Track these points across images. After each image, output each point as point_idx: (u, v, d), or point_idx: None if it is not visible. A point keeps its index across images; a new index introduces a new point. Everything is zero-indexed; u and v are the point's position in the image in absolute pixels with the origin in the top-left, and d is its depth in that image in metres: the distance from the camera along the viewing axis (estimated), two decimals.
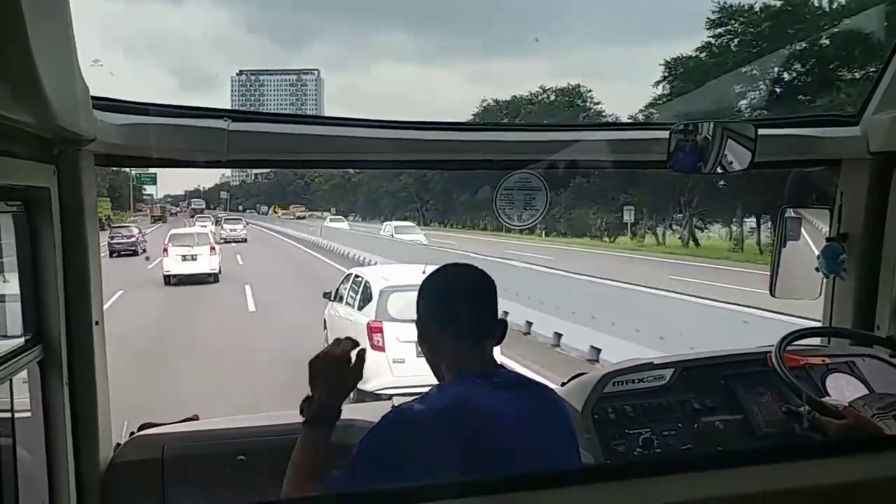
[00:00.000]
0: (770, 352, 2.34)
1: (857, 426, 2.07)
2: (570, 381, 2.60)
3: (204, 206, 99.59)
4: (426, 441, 1.54)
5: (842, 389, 2.38)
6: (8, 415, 1.90)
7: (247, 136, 2.12)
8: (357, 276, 10.28)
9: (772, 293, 2.92)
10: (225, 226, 44.20)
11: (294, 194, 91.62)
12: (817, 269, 2.78)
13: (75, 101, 1.59)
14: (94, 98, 1.76)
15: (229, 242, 37.94)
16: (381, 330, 8.46)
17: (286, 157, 2.27)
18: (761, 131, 2.32)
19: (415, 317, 1.71)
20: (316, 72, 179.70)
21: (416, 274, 9.71)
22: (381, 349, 8.31)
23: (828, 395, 2.31)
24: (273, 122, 2.19)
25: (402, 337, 8.20)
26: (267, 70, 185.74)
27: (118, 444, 2.28)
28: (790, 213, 2.91)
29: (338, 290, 10.67)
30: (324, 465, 1.63)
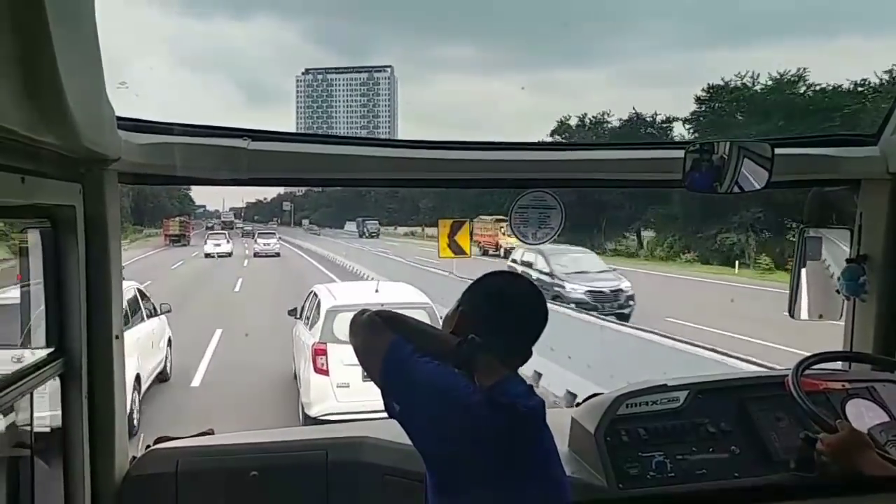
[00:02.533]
0: (787, 376, 2.31)
1: (847, 440, 2.04)
2: (584, 401, 2.59)
3: (233, 217, 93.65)
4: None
5: (861, 416, 2.33)
6: (27, 425, 1.95)
7: (266, 155, 2.17)
8: (314, 294, 9.54)
9: (791, 314, 2.88)
10: (258, 240, 43.44)
11: (376, 204, 73.98)
12: (838, 291, 2.74)
13: (101, 122, 1.64)
14: (118, 118, 1.82)
15: (261, 257, 38.10)
16: (325, 352, 7.90)
17: (304, 175, 2.32)
18: (779, 150, 2.31)
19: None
20: (389, 69, 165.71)
21: (368, 293, 9.31)
22: (325, 373, 7.82)
23: (847, 421, 2.27)
24: (292, 141, 2.24)
25: (346, 360, 7.38)
26: (336, 68, 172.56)
27: (134, 457, 2.31)
28: (810, 232, 2.88)
29: (302, 307, 10.00)
30: (427, 347, 1.61)
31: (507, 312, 1.66)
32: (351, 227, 69.94)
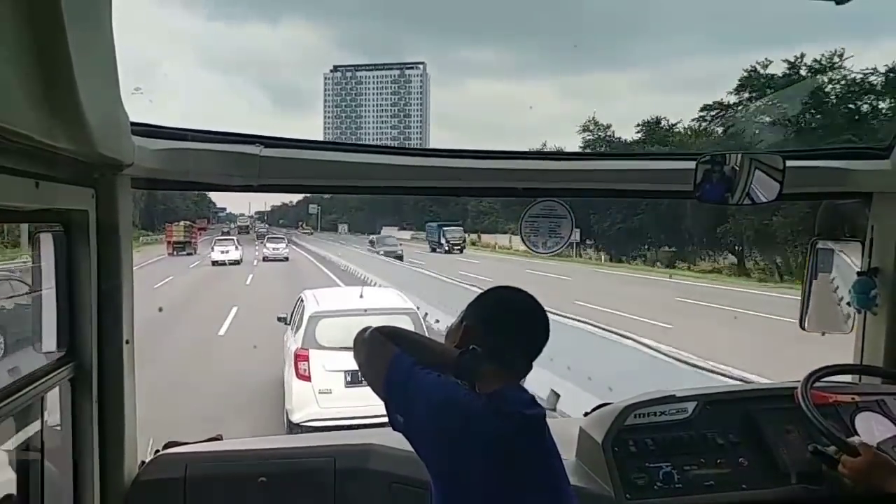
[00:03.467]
0: (797, 388, 2.30)
1: (872, 464, 2.03)
2: (592, 411, 2.58)
3: (249, 222, 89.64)
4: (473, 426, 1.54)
5: (871, 429, 2.32)
6: (38, 429, 1.96)
7: (278, 161, 2.18)
8: (301, 300, 9.42)
9: (802, 326, 2.87)
10: (268, 244, 43.38)
11: (416, 207, 65.54)
12: (849, 304, 2.73)
13: (115, 128, 1.65)
14: (132, 124, 1.83)
15: (270, 261, 37.76)
16: (306, 358, 7.78)
17: (315, 182, 2.33)
18: (791, 163, 2.31)
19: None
20: (421, 66, 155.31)
21: (351, 299, 9.20)
22: (307, 378, 7.68)
23: (857, 434, 2.25)
24: (303, 148, 2.25)
25: (329, 366, 7.50)
26: (365, 65, 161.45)
27: (143, 462, 2.31)
28: (821, 244, 2.87)
29: (291, 313, 9.82)
30: (425, 358, 1.63)
31: (509, 325, 1.68)
32: (388, 235, 52.88)
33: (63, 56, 1.19)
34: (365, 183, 2.36)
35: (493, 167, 2.42)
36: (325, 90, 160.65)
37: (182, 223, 45.20)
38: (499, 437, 1.53)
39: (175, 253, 40.88)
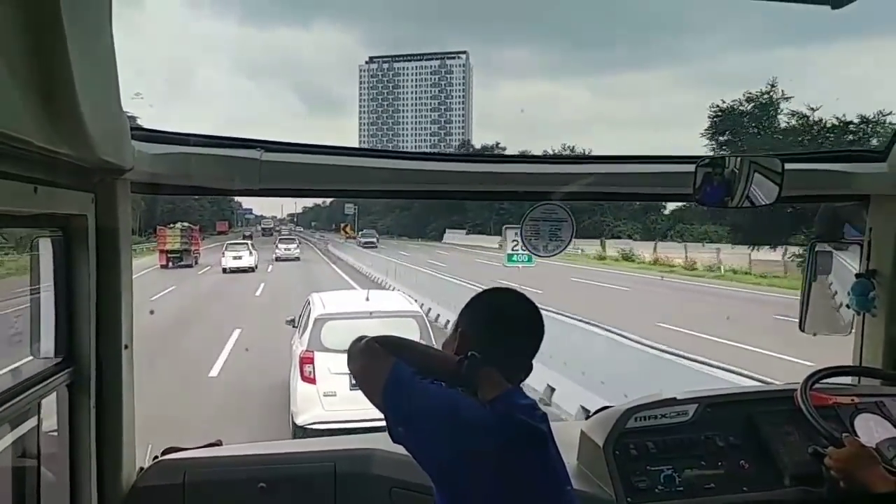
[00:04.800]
0: (797, 390, 2.30)
1: (855, 455, 2.04)
2: (593, 414, 2.58)
3: (272, 224, 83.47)
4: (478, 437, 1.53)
5: (870, 430, 2.32)
6: (35, 435, 1.94)
7: (278, 166, 2.17)
8: (308, 302, 9.42)
9: (801, 328, 2.88)
10: (279, 245, 43.13)
11: (485, 209, 55.70)
12: (848, 306, 2.74)
13: (115, 133, 1.64)
14: (132, 128, 1.82)
15: (282, 261, 37.42)
16: (311, 361, 7.79)
17: (316, 186, 2.32)
18: (789, 166, 2.31)
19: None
20: (464, 55, 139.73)
21: (358, 301, 9.24)
22: (312, 381, 7.71)
23: (856, 435, 2.26)
24: (304, 152, 2.24)
25: (333, 368, 7.46)
26: (403, 55, 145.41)
27: (141, 468, 2.30)
28: (820, 247, 2.88)
29: (299, 316, 9.82)
30: (427, 368, 1.61)
31: (506, 328, 1.67)
32: (453, 238, 50.48)
33: (63, 61, 1.19)
34: (364, 187, 2.36)
35: (492, 171, 2.42)
36: (361, 83, 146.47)
37: (178, 225, 35.12)
38: (504, 445, 1.52)
39: (170, 264, 32.93)
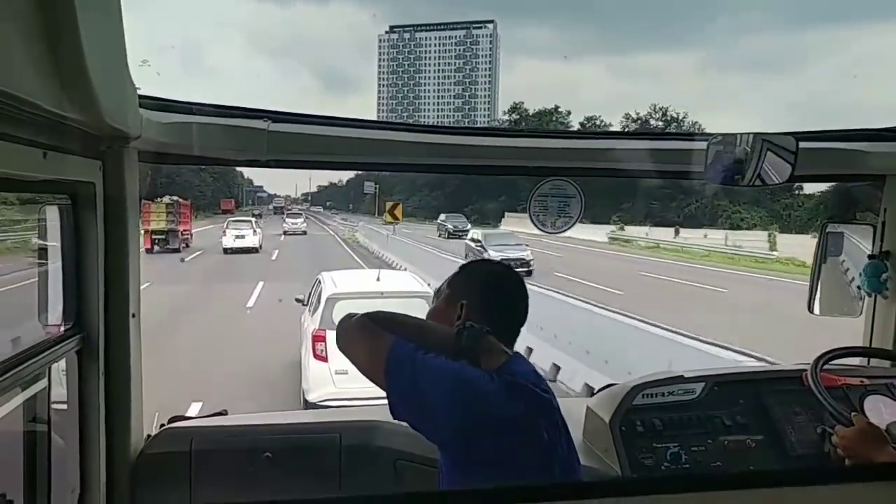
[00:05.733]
0: (806, 370, 2.29)
1: (862, 432, 2.02)
2: (599, 391, 2.58)
3: (283, 203, 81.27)
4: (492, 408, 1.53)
5: (880, 412, 2.31)
6: (45, 401, 1.96)
7: (286, 136, 2.16)
8: (319, 281, 9.48)
9: (810, 310, 2.86)
10: (287, 220, 43.43)
11: (513, 186, 45.66)
12: (859, 287, 2.71)
13: (123, 99, 1.63)
14: (140, 96, 1.81)
15: (289, 234, 37.44)
16: (323, 339, 7.87)
17: (323, 158, 2.31)
18: (803, 145, 2.27)
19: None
20: (491, 24, 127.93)
21: (368, 281, 9.36)
22: (324, 359, 7.82)
23: (866, 416, 2.25)
24: (312, 123, 2.23)
25: None
26: (426, 25, 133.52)
27: (149, 436, 2.32)
28: (832, 228, 2.85)
29: (309, 294, 9.94)
30: (424, 343, 1.58)
31: (502, 298, 1.72)
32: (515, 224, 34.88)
33: (71, 25, 1.18)
34: (373, 159, 2.34)
35: (503, 145, 2.40)
36: (380, 55, 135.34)
37: (164, 200, 28.40)
38: (514, 413, 1.53)
39: (154, 248, 26.51)
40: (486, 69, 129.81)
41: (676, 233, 39.93)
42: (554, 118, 75.00)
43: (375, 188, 68.24)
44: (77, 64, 1.24)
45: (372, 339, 1.59)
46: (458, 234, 34.86)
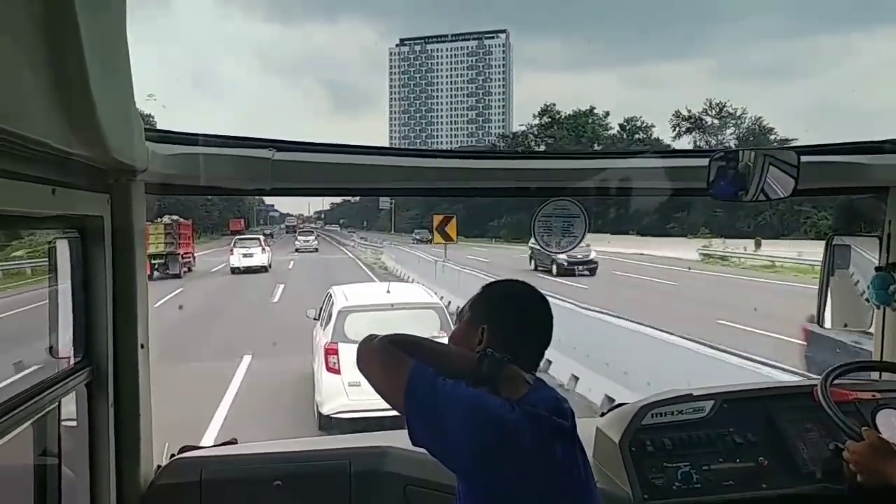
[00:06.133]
0: (816, 385, 2.27)
1: (874, 447, 2.00)
2: (608, 411, 2.56)
3: (296, 221, 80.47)
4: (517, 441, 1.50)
5: (892, 426, 2.29)
6: (55, 434, 1.97)
7: (290, 165, 2.18)
8: (330, 295, 9.58)
9: (819, 323, 2.85)
10: (299, 237, 43.82)
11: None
12: (867, 300, 2.70)
13: (130, 134, 1.66)
14: (146, 129, 1.84)
15: (301, 252, 37.86)
16: (336, 352, 7.94)
17: (329, 185, 2.33)
18: (805, 158, 2.28)
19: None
20: (503, 34, 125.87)
21: (379, 294, 9.50)
22: (337, 372, 7.88)
23: (878, 431, 2.23)
24: (316, 151, 2.25)
25: None
26: (436, 36, 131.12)
27: (159, 466, 2.32)
28: (838, 240, 2.84)
29: (320, 309, 9.91)
30: (447, 370, 1.56)
31: (525, 323, 1.66)
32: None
33: (78, 62, 1.20)
34: (377, 185, 2.37)
35: (505, 167, 2.41)
36: (391, 70, 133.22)
37: (162, 221, 26.09)
38: (535, 444, 1.51)
39: (154, 273, 23.47)
40: (499, 80, 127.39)
41: (758, 245, 34.89)
42: (590, 120, 72.70)
43: (391, 204, 64.64)
44: (84, 100, 1.26)
45: (392, 362, 1.57)
46: (574, 269, 24.88)
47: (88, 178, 1.74)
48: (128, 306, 2.04)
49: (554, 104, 76.24)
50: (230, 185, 2.23)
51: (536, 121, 75.28)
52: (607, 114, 75.61)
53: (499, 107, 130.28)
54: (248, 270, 26.58)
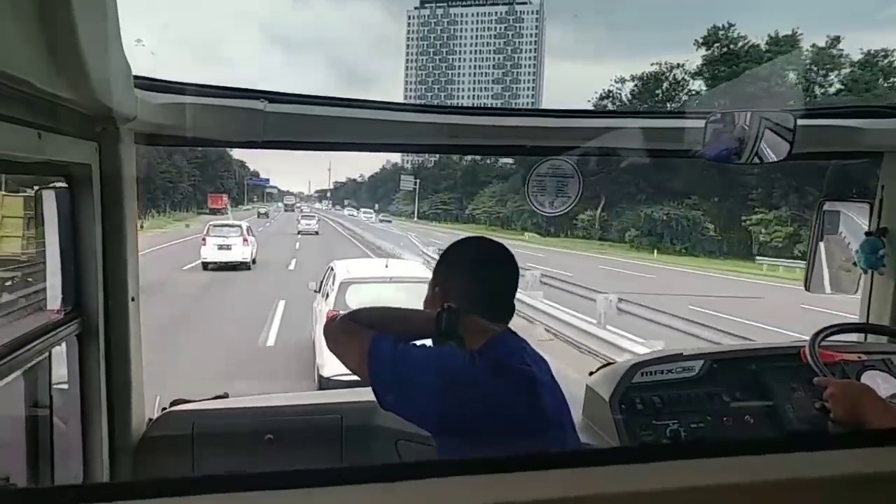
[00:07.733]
0: (804, 346, 2.30)
1: (855, 387, 2.01)
2: (598, 370, 2.59)
3: (294, 200, 77.36)
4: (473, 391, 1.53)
5: (878, 386, 2.32)
6: (46, 385, 1.96)
7: (283, 117, 2.14)
8: (331, 269, 10.05)
9: (807, 288, 2.87)
10: (301, 220, 43.55)
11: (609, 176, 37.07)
12: (855, 265, 2.72)
13: (117, 79, 1.61)
14: (135, 77, 1.79)
15: (303, 234, 38.06)
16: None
17: (321, 139, 2.29)
18: (800, 122, 2.27)
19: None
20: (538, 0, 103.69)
21: (378, 268, 10.18)
22: None
23: None
24: (309, 104, 2.21)
25: None
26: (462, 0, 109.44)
27: (150, 419, 2.33)
28: (828, 206, 2.85)
29: (321, 282, 10.43)
30: (402, 332, 1.59)
31: (482, 273, 1.68)
32: None
33: (65, 4, 1.16)
34: (371, 140, 2.33)
35: (501, 124, 2.38)
36: (409, 34, 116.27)
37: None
38: (499, 394, 1.53)
39: None
40: (530, 51, 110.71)
41: None
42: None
43: (416, 183, 52.22)
44: (69, 41, 1.22)
45: (353, 337, 1.60)
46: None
47: (75, 124, 1.70)
48: (118, 258, 2.01)
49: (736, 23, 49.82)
50: (221, 136, 2.18)
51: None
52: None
53: (528, 80, 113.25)
54: (225, 267, 19.73)
